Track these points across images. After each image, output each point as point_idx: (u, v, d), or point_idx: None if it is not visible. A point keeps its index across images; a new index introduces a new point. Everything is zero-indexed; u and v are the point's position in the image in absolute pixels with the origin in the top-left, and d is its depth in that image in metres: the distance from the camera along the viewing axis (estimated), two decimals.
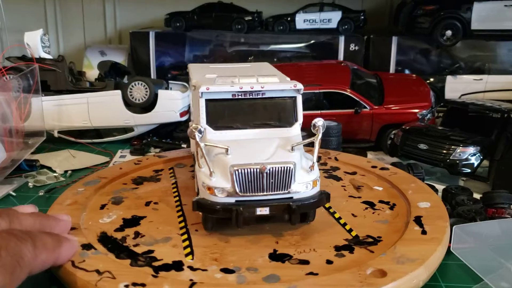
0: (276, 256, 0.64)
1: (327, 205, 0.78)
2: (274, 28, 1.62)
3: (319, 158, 0.93)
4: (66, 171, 1.04)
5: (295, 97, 0.72)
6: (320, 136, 0.66)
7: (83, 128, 1.24)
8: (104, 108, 1.22)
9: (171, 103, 1.22)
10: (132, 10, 1.91)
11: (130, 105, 1.22)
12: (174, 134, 1.25)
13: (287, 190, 0.66)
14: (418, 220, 0.70)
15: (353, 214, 0.76)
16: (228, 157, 0.66)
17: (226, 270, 0.60)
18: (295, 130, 0.72)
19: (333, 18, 1.58)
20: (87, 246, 0.64)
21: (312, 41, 1.60)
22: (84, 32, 1.94)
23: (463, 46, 1.55)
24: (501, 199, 0.80)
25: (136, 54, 1.65)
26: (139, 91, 1.22)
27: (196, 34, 1.66)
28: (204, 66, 0.91)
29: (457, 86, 1.51)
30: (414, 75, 1.43)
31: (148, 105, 1.22)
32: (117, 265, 0.60)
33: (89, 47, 1.76)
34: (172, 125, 1.26)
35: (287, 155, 0.66)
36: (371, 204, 0.79)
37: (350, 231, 0.70)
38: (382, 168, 0.93)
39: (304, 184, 0.66)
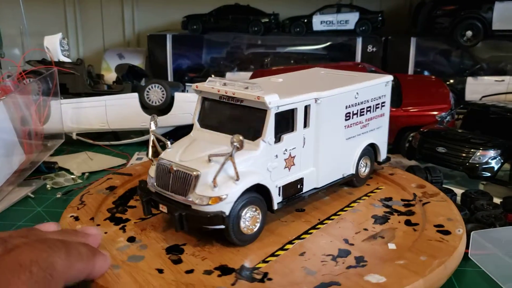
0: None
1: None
2: (291, 30, 1.61)
3: None
4: (83, 173, 1.05)
5: (265, 111, 0.67)
6: (233, 153, 0.61)
7: (100, 130, 1.25)
8: (121, 111, 1.23)
9: (187, 106, 1.23)
10: (150, 13, 1.93)
11: (147, 107, 1.23)
12: None
13: (185, 196, 0.65)
14: None
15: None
16: (165, 151, 0.71)
17: None
18: (254, 145, 0.67)
19: (350, 19, 1.57)
20: None
21: (329, 43, 1.59)
22: (103, 35, 1.96)
23: (484, 46, 1.51)
24: None
25: (154, 56, 1.66)
26: (155, 94, 1.22)
27: (213, 36, 1.66)
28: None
29: (478, 88, 1.48)
30: (433, 77, 1.40)
31: (165, 108, 1.23)
32: None
33: (108, 50, 1.78)
34: (189, 128, 1.26)
35: (199, 164, 0.65)
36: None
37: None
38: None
39: (200, 198, 0.63)
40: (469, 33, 1.45)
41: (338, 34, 1.59)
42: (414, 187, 0.85)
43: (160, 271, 0.60)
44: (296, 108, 0.70)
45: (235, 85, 0.70)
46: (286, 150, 0.71)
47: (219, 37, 1.66)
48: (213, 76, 0.77)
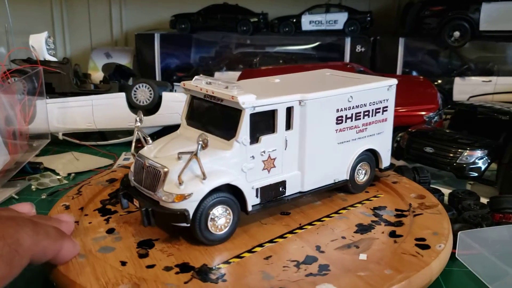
0: None
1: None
2: (280, 29, 1.61)
3: None
4: (69, 174, 1.04)
5: (240, 111, 0.66)
6: (198, 151, 0.61)
7: (87, 130, 1.24)
8: (108, 111, 1.21)
9: (175, 105, 1.22)
10: (139, 11, 1.91)
11: (134, 107, 1.22)
12: None
13: (154, 192, 0.66)
14: None
15: None
16: (145, 147, 0.72)
17: None
18: (228, 145, 0.67)
19: (339, 19, 1.57)
20: None
21: (318, 43, 1.59)
22: (91, 34, 1.95)
23: (472, 47, 1.52)
24: (509, 204, 0.78)
25: (142, 56, 1.65)
26: (143, 93, 1.21)
27: (202, 35, 1.65)
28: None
29: (466, 88, 1.49)
30: (421, 77, 1.41)
31: (153, 107, 1.22)
32: None
33: (95, 49, 1.76)
34: (176, 128, 1.25)
35: (170, 161, 0.65)
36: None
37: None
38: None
39: (167, 194, 0.64)
40: (456, 33, 1.46)
41: (327, 34, 1.59)
42: (413, 197, 0.81)
43: (124, 263, 0.61)
44: (277, 110, 0.69)
45: (216, 84, 0.70)
46: (264, 151, 0.69)
47: (208, 36, 1.65)
48: (201, 74, 0.76)
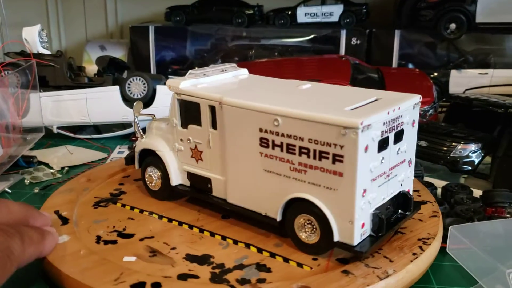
0: None
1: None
2: (275, 22, 1.60)
3: None
4: (63, 168, 1.04)
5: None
6: (134, 116, 0.83)
7: (81, 123, 1.23)
8: (102, 104, 1.21)
9: (169, 99, 1.21)
10: (134, 4, 1.90)
11: (128, 100, 1.21)
12: None
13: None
14: None
15: None
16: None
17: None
18: (167, 121, 0.78)
19: (334, 11, 1.56)
20: None
21: (313, 35, 1.58)
22: (86, 26, 1.93)
23: (468, 39, 1.52)
24: (501, 198, 0.78)
25: (136, 48, 1.64)
26: (137, 87, 1.21)
27: (197, 28, 1.64)
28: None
29: (462, 81, 1.49)
30: (416, 70, 1.41)
31: (147, 101, 1.21)
32: None
33: (89, 41, 1.75)
34: None
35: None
36: None
37: None
38: None
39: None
40: (452, 25, 1.45)
41: (322, 26, 1.58)
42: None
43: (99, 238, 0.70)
44: (199, 104, 0.70)
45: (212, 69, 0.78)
46: (190, 139, 0.74)
47: (203, 28, 1.64)
48: (196, 68, 0.77)
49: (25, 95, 1.11)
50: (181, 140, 0.75)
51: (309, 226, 0.63)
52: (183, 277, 0.60)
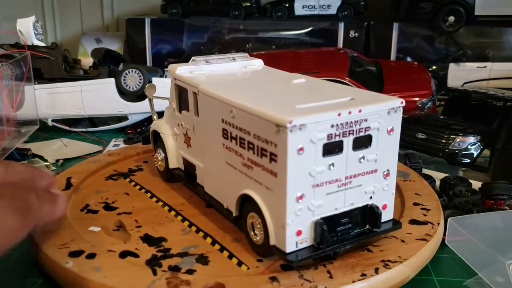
0: None
1: None
2: (273, 14, 1.58)
3: None
4: (57, 160, 1.03)
5: None
6: (149, 98, 0.88)
7: (77, 116, 1.22)
8: (97, 97, 1.20)
9: (166, 91, 1.20)
10: None
11: (124, 93, 1.20)
12: None
13: None
14: None
15: None
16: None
17: None
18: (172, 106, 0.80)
19: (332, 4, 1.55)
20: None
21: (311, 28, 1.57)
22: (81, 18, 1.91)
23: (467, 32, 1.51)
24: (500, 190, 0.78)
25: (132, 41, 1.62)
26: (133, 79, 1.19)
27: (194, 20, 1.63)
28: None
29: (460, 74, 1.48)
30: (415, 63, 1.40)
31: (143, 93, 1.20)
32: None
33: (85, 34, 1.73)
34: None
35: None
36: None
37: None
38: None
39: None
40: (451, 18, 1.44)
41: (320, 19, 1.57)
42: None
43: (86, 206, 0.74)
44: (187, 90, 0.71)
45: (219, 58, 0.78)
46: (182, 124, 0.75)
47: (200, 21, 1.63)
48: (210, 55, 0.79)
49: (19, 87, 1.10)
50: (178, 124, 0.77)
51: (258, 225, 0.58)
52: (124, 254, 0.60)
